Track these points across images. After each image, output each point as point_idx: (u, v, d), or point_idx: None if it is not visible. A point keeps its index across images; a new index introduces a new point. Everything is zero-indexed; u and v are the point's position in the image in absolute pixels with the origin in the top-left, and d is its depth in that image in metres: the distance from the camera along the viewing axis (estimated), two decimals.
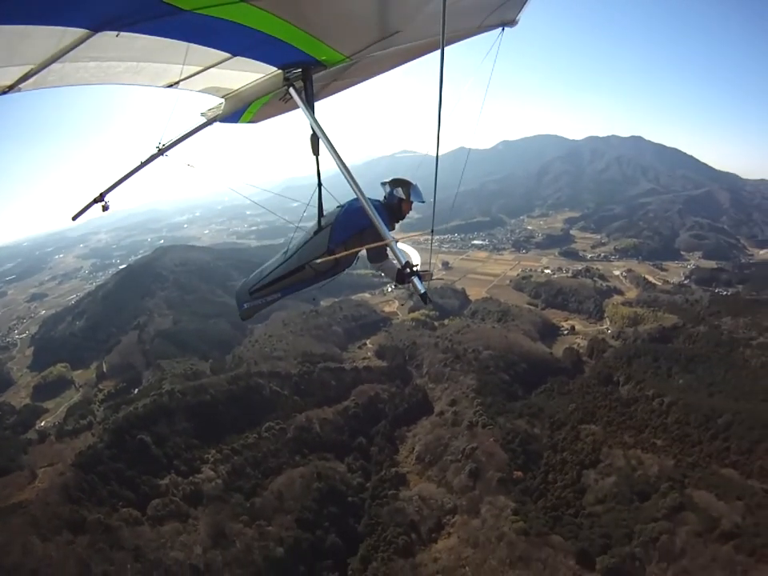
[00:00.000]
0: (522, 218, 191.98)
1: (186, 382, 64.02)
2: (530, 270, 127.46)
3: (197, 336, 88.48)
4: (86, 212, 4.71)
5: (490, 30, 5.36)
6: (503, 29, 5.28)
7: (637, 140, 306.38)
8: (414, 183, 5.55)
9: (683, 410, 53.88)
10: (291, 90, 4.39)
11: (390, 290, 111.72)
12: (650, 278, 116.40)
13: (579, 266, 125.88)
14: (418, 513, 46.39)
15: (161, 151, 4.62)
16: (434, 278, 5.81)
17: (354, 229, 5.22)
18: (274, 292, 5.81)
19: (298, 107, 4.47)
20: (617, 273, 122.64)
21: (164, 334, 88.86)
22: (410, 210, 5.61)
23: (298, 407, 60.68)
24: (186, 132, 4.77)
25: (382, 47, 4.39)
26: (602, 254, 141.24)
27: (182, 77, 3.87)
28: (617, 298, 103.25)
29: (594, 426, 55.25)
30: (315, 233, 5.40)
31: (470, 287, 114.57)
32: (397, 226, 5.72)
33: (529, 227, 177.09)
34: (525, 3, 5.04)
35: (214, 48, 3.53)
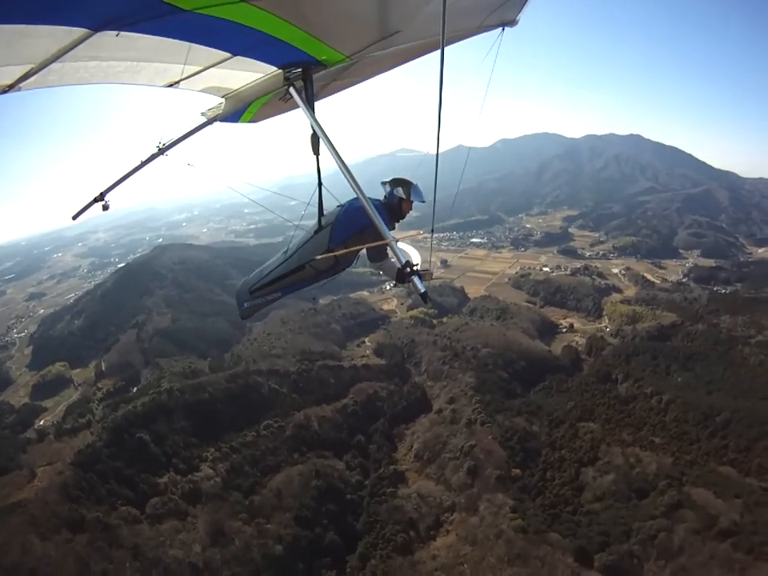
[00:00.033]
0: (520, 216, 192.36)
1: (185, 380, 63.90)
2: (529, 268, 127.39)
3: (195, 334, 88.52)
4: (86, 211, 4.72)
5: (489, 30, 5.35)
6: (503, 29, 5.27)
7: (635, 138, 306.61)
8: (415, 183, 5.54)
9: (681, 408, 54.03)
10: (291, 89, 4.40)
11: (388, 288, 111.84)
12: (649, 276, 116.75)
13: (578, 264, 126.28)
14: (417, 510, 46.49)
15: (161, 150, 4.63)
16: (433, 277, 5.81)
17: (354, 228, 5.22)
18: (274, 291, 5.80)
19: (298, 107, 4.48)
20: (615, 271, 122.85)
21: (163, 332, 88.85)
22: (411, 209, 5.60)
23: (296, 405, 60.68)
24: (187, 132, 4.78)
25: (382, 47, 4.39)
26: (601, 252, 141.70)
27: (183, 76, 3.88)
28: (615, 296, 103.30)
29: (593, 423, 55.29)
30: (315, 232, 5.40)
31: (469, 285, 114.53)
32: (396, 225, 5.73)
33: (527, 225, 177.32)
34: (525, 3, 5.03)
35: (215, 48, 3.53)
